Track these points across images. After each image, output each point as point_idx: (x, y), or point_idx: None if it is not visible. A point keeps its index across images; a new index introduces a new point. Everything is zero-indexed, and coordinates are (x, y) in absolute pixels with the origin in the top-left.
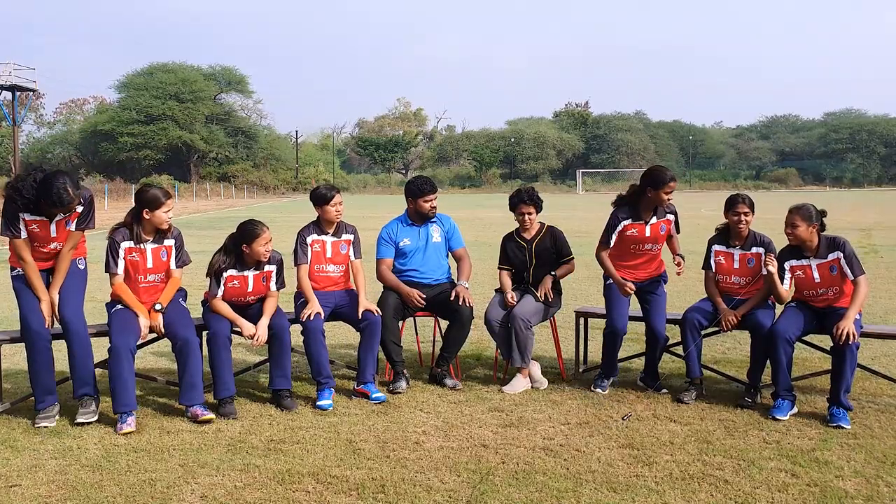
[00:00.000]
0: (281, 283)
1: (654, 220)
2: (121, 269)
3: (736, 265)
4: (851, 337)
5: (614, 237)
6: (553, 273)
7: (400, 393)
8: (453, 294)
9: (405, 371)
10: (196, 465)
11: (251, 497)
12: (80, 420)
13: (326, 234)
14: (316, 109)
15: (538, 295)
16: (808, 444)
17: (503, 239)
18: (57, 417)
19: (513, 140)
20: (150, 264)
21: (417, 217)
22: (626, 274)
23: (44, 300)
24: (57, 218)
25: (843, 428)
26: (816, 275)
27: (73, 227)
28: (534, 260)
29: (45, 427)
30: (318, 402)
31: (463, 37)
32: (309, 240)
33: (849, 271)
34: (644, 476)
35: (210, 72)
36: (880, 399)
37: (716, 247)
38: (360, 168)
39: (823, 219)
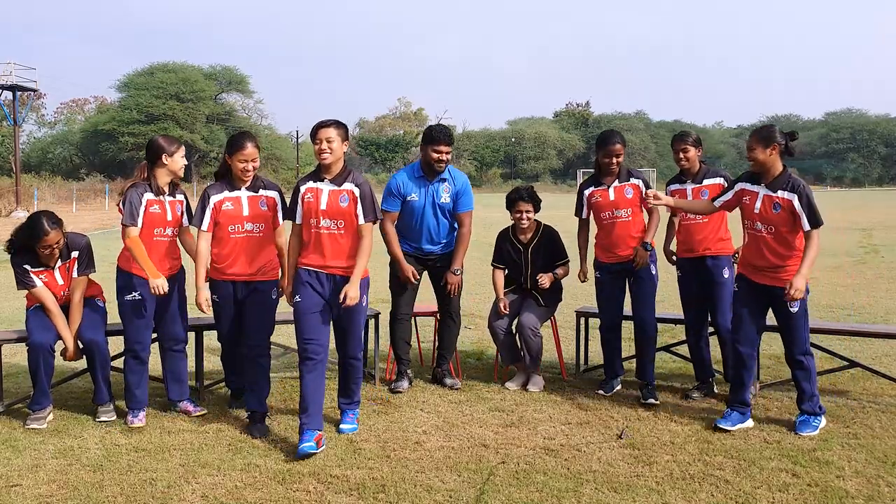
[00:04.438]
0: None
1: (616, 183)
2: (139, 223)
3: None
4: (797, 294)
5: (584, 209)
6: (555, 273)
7: (400, 392)
8: (443, 280)
9: (409, 371)
10: (197, 464)
11: (252, 497)
12: (103, 419)
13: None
14: (316, 109)
15: (542, 283)
16: (809, 444)
17: (498, 235)
18: (49, 419)
19: (513, 140)
20: (169, 216)
21: (428, 169)
22: (609, 257)
23: (66, 338)
24: (57, 264)
25: (800, 434)
26: (758, 205)
27: (75, 273)
28: (530, 266)
29: (35, 429)
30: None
31: (463, 37)
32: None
33: (804, 220)
34: (645, 476)
35: (210, 72)
36: (881, 399)
37: (671, 186)
38: (360, 168)
39: (791, 142)
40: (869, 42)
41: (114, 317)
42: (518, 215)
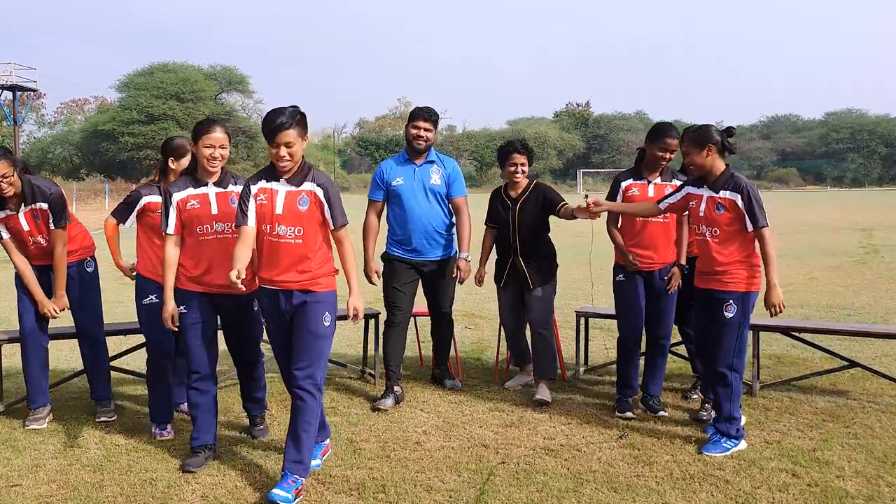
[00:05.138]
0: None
1: (658, 180)
2: (128, 221)
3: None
4: (781, 307)
5: (672, 201)
6: (561, 209)
7: (383, 410)
8: (455, 270)
9: (398, 388)
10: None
11: (251, 497)
12: (103, 419)
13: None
14: (316, 109)
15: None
16: (809, 444)
17: (491, 194)
18: (48, 419)
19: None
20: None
21: (411, 150)
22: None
23: (38, 300)
24: (22, 209)
25: (704, 454)
26: (703, 207)
27: (51, 225)
28: (517, 224)
29: (34, 429)
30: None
31: (463, 37)
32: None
33: (748, 220)
34: (645, 476)
35: (211, 72)
36: (881, 399)
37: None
38: (361, 168)
39: (729, 139)
40: (869, 42)
41: (111, 300)
42: (512, 168)
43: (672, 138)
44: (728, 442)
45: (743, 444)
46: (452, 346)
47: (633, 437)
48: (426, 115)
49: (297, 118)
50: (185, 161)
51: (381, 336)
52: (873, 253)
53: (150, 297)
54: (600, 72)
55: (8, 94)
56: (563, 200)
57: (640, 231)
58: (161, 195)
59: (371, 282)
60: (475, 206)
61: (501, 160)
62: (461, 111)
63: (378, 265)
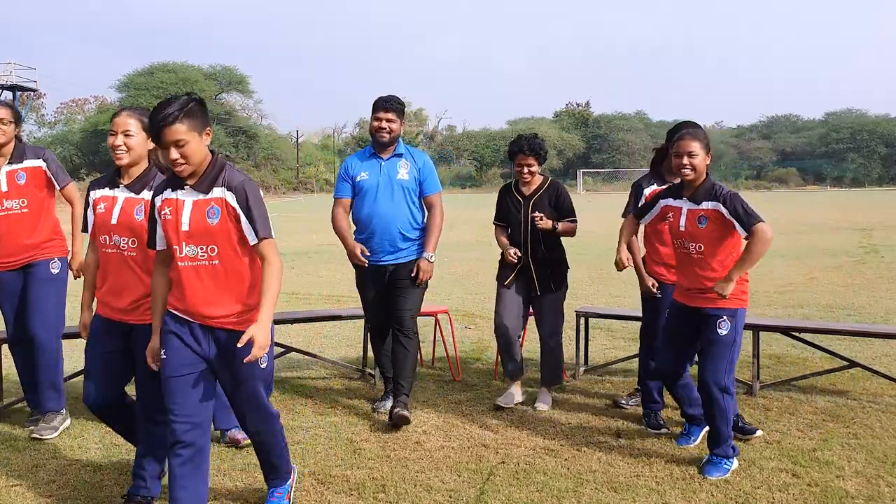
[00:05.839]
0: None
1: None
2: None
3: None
4: (722, 297)
5: (650, 217)
6: (555, 225)
7: (381, 413)
8: (414, 269)
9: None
10: None
11: (251, 497)
12: (37, 435)
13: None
14: (316, 109)
15: (539, 222)
16: (809, 444)
17: (500, 191)
18: (59, 423)
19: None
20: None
21: (376, 144)
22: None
23: None
24: (5, 168)
25: (708, 478)
26: (683, 222)
27: (57, 187)
28: (529, 221)
29: (37, 438)
30: None
31: (463, 37)
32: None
33: (738, 226)
34: (644, 476)
35: (210, 71)
36: (881, 399)
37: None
38: None
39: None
40: (869, 42)
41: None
42: (519, 170)
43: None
44: (728, 462)
45: (735, 463)
46: (453, 347)
47: (633, 438)
48: (388, 105)
49: (187, 109)
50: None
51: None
52: (873, 253)
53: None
54: (600, 72)
55: (8, 94)
56: (574, 216)
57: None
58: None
59: (360, 262)
60: (475, 206)
61: (511, 158)
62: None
63: (359, 247)
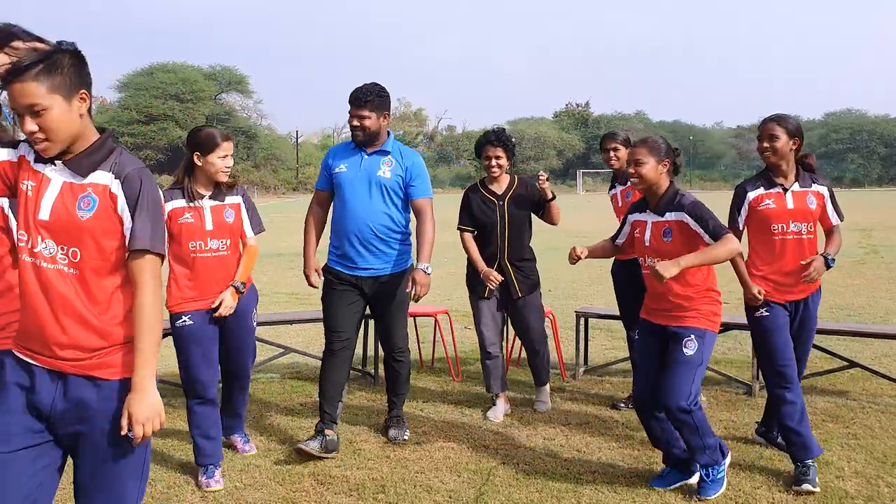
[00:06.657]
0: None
1: (797, 186)
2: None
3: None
4: (661, 277)
5: (742, 216)
6: (553, 194)
7: (305, 451)
8: (409, 283)
9: (330, 431)
10: (196, 464)
11: (251, 497)
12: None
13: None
14: (316, 109)
15: (544, 193)
16: None
17: (466, 191)
18: None
19: (513, 140)
20: (209, 226)
21: (356, 142)
22: (773, 291)
23: None
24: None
25: (705, 499)
26: (647, 236)
27: None
28: (507, 222)
29: None
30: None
31: (463, 37)
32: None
33: (704, 236)
34: (645, 476)
35: (210, 72)
36: (881, 399)
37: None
38: None
39: (677, 159)
40: (869, 42)
41: None
42: (487, 162)
43: (770, 121)
44: (718, 472)
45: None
46: (453, 347)
47: (633, 438)
48: (358, 100)
49: (48, 62)
50: (215, 158)
51: (378, 336)
52: (873, 253)
53: (184, 317)
54: (600, 72)
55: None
56: (553, 195)
57: (775, 260)
58: (185, 197)
59: (310, 283)
60: None
61: (478, 152)
62: (461, 111)
63: (318, 265)
